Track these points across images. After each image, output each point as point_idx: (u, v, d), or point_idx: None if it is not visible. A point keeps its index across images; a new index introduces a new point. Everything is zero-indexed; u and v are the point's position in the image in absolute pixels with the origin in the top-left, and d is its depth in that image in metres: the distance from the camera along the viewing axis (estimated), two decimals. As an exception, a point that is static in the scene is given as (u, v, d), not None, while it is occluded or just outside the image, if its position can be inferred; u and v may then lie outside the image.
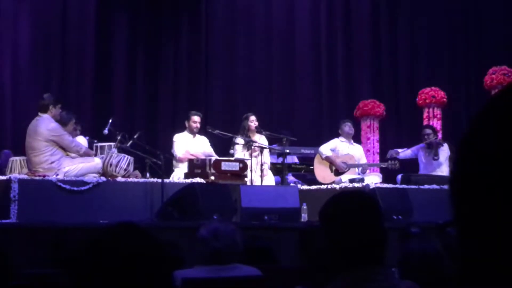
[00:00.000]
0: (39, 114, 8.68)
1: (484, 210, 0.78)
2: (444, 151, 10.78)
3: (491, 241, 0.77)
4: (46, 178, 8.23)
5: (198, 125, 10.40)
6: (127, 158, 8.97)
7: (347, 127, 10.76)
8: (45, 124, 8.57)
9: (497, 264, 0.76)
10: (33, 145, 8.52)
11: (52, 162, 8.51)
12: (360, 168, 10.63)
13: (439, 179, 10.02)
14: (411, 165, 11.26)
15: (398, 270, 3.65)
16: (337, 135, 10.93)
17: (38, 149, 8.50)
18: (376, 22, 14.25)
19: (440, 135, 11.69)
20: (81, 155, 8.85)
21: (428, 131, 11.04)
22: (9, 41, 11.77)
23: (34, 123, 8.67)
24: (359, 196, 2.59)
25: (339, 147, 10.68)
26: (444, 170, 10.61)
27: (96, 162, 8.80)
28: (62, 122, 9.02)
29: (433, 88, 12.35)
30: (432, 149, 10.89)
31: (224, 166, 9.48)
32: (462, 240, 0.80)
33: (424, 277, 3.32)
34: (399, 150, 11.10)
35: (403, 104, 13.87)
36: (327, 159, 10.53)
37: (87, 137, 9.73)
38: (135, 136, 9.56)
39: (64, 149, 8.67)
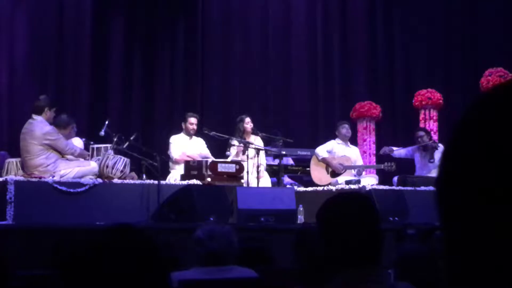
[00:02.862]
0: (33, 116, 8.63)
1: (470, 213, 0.78)
2: (440, 153, 10.79)
3: (479, 245, 0.77)
4: (43, 179, 8.22)
5: (195, 127, 10.40)
6: (124, 159, 8.96)
7: (345, 129, 10.77)
8: (40, 128, 8.54)
9: (484, 268, 0.77)
10: (28, 148, 8.50)
11: (47, 165, 8.50)
12: (356, 170, 10.64)
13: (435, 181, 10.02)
14: (407, 166, 11.27)
15: (394, 271, 3.65)
16: (333, 136, 10.93)
17: (33, 153, 8.48)
18: (372, 24, 14.25)
19: (436, 137, 11.71)
20: (76, 157, 8.84)
21: (421, 133, 11.08)
22: (5, 43, 11.76)
23: (28, 126, 8.63)
24: (356, 198, 2.59)
25: (335, 148, 10.69)
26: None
27: (92, 166, 8.78)
28: (61, 125, 9.02)
29: (429, 89, 12.36)
30: (428, 151, 10.92)
31: (221, 167, 9.48)
32: (449, 243, 0.81)
33: (420, 278, 3.32)
34: (394, 148, 11.12)
35: (400, 105, 13.87)
36: (324, 160, 10.54)
37: (83, 139, 9.72)
38: (131, 138, 9.55)
39: (59, 152, 8.66)
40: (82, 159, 8.95)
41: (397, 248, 4.11)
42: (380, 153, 10.95)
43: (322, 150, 10.61)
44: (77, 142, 9.38)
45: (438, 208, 0.83)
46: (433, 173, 10.67)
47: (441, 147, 10.86)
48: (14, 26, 11.87)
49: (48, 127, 8.59)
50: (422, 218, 8.35)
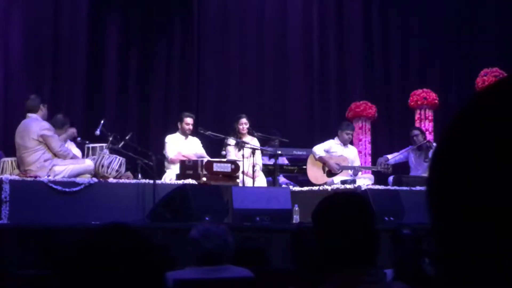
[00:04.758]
0: (28, 115, 8.70)
1: (462, 214, 0.78)
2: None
3: (472, 245, 0.77)
4: (38, 179, 8.22)
5: (191, 127, 10.40)
6: (119, 159, 8.96)
7: (347, 136, 10.76)
8: (36, 123, 8.60)
9: (475, 268, 0.76)
10: (26, 144, 8.53)
11: (45, 161, 8.52)
12: (352, 170, 10.65)
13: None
14: (402, 167, 11.29)
15: (393, 271, 3.66)
16: (329, 136, 10.94)
17: (30, 148, 8.51)
18: (368, 24, 14.26)
19: (431, 137, 11.73)
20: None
21: (416, 132, 11.13)
22: (0, 42, 11.73)
23: (23, 125, 8.69)
24: (352, 197, 2.59)
25: (333, 148, 10.69)
26: None
27: (87, 164, 8.78)
28: (57, 125, 9.05)
29: (424, 89, 12.37)
30: (423, 151, 10.95)
31: (216, 167, 9.47)
32: (440, 243, 0.80)
33: (418, 278, 3.33)
34: (389, 157, 11.13)
35: (395, 105, 13.88)
36: (321, 159, 10.54)
37: (79, 138, 9.71)
38: (127, 137, 9.54)
39: (51, 151, 8.64)
40: (77, 158, 8.96)
41: (394, 248, 4.11)
42: (379, 167, 10.87)
43: (319, 149, 10.61)
44: (76, 151, 9.39)
45: (429, 208, 0.83)
46: (427, 173, 10.69)
47: (435, 146, 10.89)
48: (9, 25, 11.84)
49: (44, 122, 8.69)
50: (417, 218, 8.35)
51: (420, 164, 10.99)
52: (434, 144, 10.99)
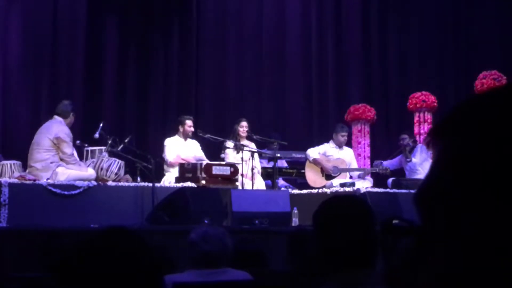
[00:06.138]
0: (55, 116, 8.84)
1: (459, 217, 0.78)
2: (420, 153, 10.91)
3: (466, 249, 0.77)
4: (37, 182, 8.23)
5: (192, 129, 10.43)
6: (118, 162, 8.95)
7: (343, 138, 10.77)
8: (58, 125, 8.74)
9: (467, 273, 0.76)
10: (40, 141, 8.64)
11: (52, 162, 8.56)
12: (362, 173, 10.72)
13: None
14: (401, 169, 11.31)
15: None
16: (328, 139, 10.93)
17: (43, 146, 8.60)
18: (366, 26, 14.27)
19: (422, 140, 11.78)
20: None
21: (404, 136, 11.21)
22: (-1, 44, 11.75)
23: (47, 124, 8.85)
24: (352, 200, 2.60)
25: (329, 152, 10.68)
26: (421, 173, 10.71)
27: (89, 173, 8.76)
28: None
29: (423, 92, 12.36)
30: (405, 153, 11.07)
31: (215, 170, 9.48)
32: (434, 246, 0.80)
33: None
34: (384, 162, 11.20)
35: (394, 108, 13.88)
36: (315, 161, 10.53)
37: (78, 141, 9.71)
38: (126, 140, 9.55)
39: (61, 155, 8.67)
40: (80, 165, 8.98)
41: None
42: (377, 170, 10.94)
43: (313, 152, 10.60)
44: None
45: (422, 210, 0.82)
46: (413, 175, 10.83)
47: (419, 146, 11.02)
48: (8, 26, 11.84)
49: (66, 127, 8.78)
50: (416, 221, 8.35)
51: (405, 164, 11.13)
52: (419, 143, 11.09)
